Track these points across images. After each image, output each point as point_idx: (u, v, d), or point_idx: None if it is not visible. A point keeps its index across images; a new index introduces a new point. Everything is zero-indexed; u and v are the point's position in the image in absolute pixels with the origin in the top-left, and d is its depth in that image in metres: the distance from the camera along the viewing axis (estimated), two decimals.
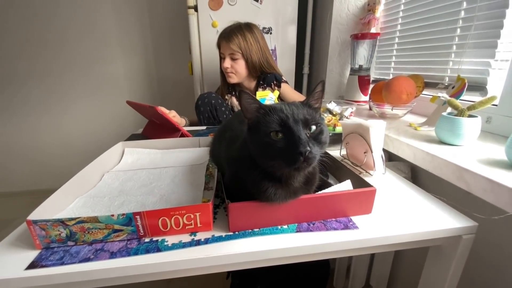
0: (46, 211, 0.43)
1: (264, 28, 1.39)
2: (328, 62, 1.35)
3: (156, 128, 0.95)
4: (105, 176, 0.61)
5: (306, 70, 1.57)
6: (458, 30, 0.82)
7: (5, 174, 1.99)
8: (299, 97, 1.18)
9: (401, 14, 1.09)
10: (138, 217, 0.39)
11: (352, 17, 1.29)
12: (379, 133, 0.58)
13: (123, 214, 0.38)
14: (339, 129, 0.79)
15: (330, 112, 0.80)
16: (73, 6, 1.67)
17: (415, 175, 0.81)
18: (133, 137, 1.00)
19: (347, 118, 0.80)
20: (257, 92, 0.80)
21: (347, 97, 1.29)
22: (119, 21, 1.74)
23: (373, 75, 1.31)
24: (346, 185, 0.47)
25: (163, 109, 0.89)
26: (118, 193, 0.54)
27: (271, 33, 1.41)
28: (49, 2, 1.65)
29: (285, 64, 1.47)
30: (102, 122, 1.96)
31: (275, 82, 1.14)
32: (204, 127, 1.13)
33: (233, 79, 1.17)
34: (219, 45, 1.15)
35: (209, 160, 0.69)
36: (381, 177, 0.62)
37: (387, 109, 0.93)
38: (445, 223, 0.43)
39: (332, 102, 0.82)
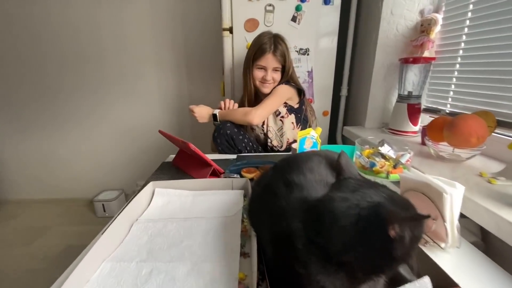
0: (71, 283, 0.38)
1: (301, 49, 1.31)
2: (372, 86, 1.23)
3: (187, 160, 0.90)
4: (134, 227, 0.56)
5: (344, 92, 1.46)
6: None
7: (41, 183, 2.10)
8: (271, 101, 1.11)
9: (464, 38, 0.95)
10: None
11: (401, 39, 1.16)
12: (456, 202, 0.47)
13: None
14: (394, 176, 0.68)
15: (383, 156, 0.70)
16: (111, 23, 1.73)
17: (486, 237, 0.67)
18: (164, 166, 0.96)
19: (403, 165, 0.68)
20: (298, 133, 0.71)
21: (393, 125, 1.16)
22: (155, 39, 1.77)
23: (424, 103, 1.17)
24: (423, 285, 0.37)
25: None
26: (146, 255, 0.48)
27: (308, 54, 1.33)
28: (91, 21, 1.72)
29: (321, 86, 1.37)
30: (133, 135, 1.99)
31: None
32: (234, 156, 1.07)
33: (269, 89, 1.16)
34: (257, 57, 1.12)
35: (243, 209, 0.62)
36: (455, 252, 0.50)
37: (447, 148, 0.80)
38: None
39: (384, 143, 0.71)
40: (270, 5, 1.25)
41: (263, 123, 1.18)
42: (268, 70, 1.12)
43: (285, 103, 1.16)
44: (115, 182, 2.11)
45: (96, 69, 1.83)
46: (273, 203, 0.43)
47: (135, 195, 0.67)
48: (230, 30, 1.27)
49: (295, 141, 1.18)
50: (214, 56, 1.73)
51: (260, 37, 1.12)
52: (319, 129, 0.77)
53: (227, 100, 1.18)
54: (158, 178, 0.86)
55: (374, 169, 0.69)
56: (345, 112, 1.50)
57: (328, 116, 1.43)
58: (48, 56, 1.80)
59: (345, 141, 1.53)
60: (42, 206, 2.08)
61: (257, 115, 1.08)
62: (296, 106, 1.18)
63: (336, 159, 0.55)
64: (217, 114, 1.13)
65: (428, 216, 0.30)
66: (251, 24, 1.27)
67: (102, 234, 0.50)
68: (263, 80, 1.15)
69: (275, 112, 1.16)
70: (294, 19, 1.27)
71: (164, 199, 0.68)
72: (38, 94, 1.88)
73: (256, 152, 1.17)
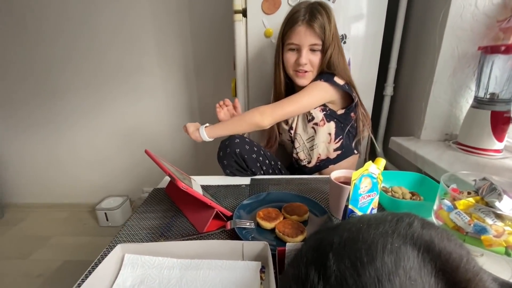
0: None
1: None
2: (434, 85, 0.91)
3: (183, 192, 0.65)
4: None
5: (389, 91, 1.14)
6: None
7: (44, 187, 1.97)
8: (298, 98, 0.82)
9: None
10: None
11: (482, 19, 0.83)
12: None
13: None
14: None
15: (498, 216, 0.41)
16: (113, 17, 1.52)
17: None
18: (154, 196, 0.72)
19: None
20: (352, 173, 0.44)
21: (465, 140, 0.84)
22: (159, 30, 1.54)
23: None
24: None
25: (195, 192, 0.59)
26: None
27: (345, 42, 1.03)
28: (86, 13, 1.52)
29: (362, 83, 1.06)
30: (138, 138, 1.81)
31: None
32: (247, 180, 0.81)
33: (307, 80, 0.85)
34: (286, 33, 0.82)
35: None
36: None
37: None
38: None
39: (500, 191, 0.42)
40: None
41: (291, 126, 0.90)
42: (302, 50, 0.80)
43: (324, 105, 0.86)
44: (120, 188, 1.95)
45: (99, 68, 1.64)
46: None
47: (98, 264, 0.44)
48: (244, 12, 0.99)
49: (328, 158, 0.90)
50: (226, 46, 1.46)
51: (294, 7, 0.82)
52: (380, 160, 0.49)
53: (225, 101, 0.91)
54: (143, 218, 0.62)
55: (483, 237, 0.41)
56: (389, 117, 1.18)
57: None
58: (51, 56, 1.63)
59: (388, 155, 1.21)
60: (45, 211, 1.97)
61: (267, 115, 0.80)
62: (340, 112, 0.87)
63: (448, 253, 0.27)
64: (204, 131, 0.82)
65: None
66: (270, 4, 0.97)
67: None
68: (297, 66, 0.83)
69: (306, 115, 0.87)
70: None
71: (137, 274, 0.44)
72: (40, 96, 1.74)
73: (275, 172, 0.90)
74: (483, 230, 0.40)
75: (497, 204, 0.40)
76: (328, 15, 0.78)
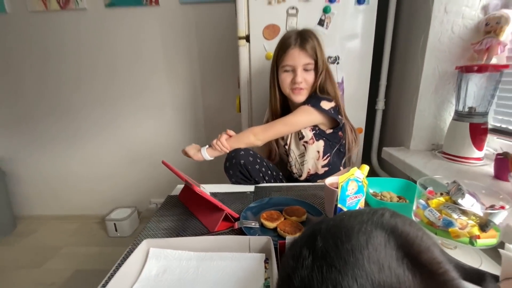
0: None
1: (329, 57, 1.12)
2: (419, 100, 1.01)
3: (195, 199, 0.74)
4: None
5: (381, 105, 1.24)
6: None
7: (55, 199, 2.06)
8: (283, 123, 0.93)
9: None
10: None
11: (458, 42, 0.94)
12: None
13: None
14: (485, 243, 0.47)
15: (463, 212, 0.49)
16: (123, 37, 1.66)
17: None
18: (169, 202, 0.81)
19: (495, 226, 0.47)
20: (339, 178, 0.53)
21: (449, 149, 0.93)
22: (167, 50, 1.67)
23: (491, 122, 0.93)
24: None
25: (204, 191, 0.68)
26: None
27: (338, 63, 1.14)
28: (100, 34, 1.66)
29: (354, 98, 1.17)
30: (146, 151, 1.90)
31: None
32: (251, 188, 0.90)
33: (303, 96, 0.94)
34: (280, 57, 0.92)
35: (264, 286, 0.45)
36: None
37: None
38: None
39: (465, 192, 0.50)
40: (293, 8, 1.07)
41: (286, 142, 0.99)
42: (297, 70, 0.90)
43: (314, 125, 0.95)
44: (128, 199, 2.03)
45: (110, 86, 1.77)
46: None
47: (127, 256, 0.52)
48: (247, 38, 1.11)
49: (316, 173, 0.99)
50: (230, 67, 1.59)
51: (285, 34, 0.94)
52: (364, 167, 0.58)
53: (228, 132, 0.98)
54: (160, 221, 0.71)
55: (450, 230, 0.49)
56: (382, 129, 1.27)
57: (362, 135, 1.21)
58: (65, 75, 1.77)
59: (382, 164, 1.30)
60: (56, 222, 2.04)
61: (259, 135, 0.92)
62: (329, 131, 0.96)
63: (407, 234, 0.36)
64: (205, 151, 0.94)
65: None
66: (270, 30, 1.10)
67: None
68: (293, 84, 0.92)
69: (298, 133, 0.96)
70: (321, 23, 1.09)
71: (160, 264, 0.52)
72: (55, 114, 1.86)
73: (276, 181, 0.98)
74: (450, 224, 0.49)
75: (460, 201, 0.49)
76: (317, 39, 0.90)
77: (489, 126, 0.89)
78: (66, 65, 1.74)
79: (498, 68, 0.83)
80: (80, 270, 1.56)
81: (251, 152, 0.92)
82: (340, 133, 0.96)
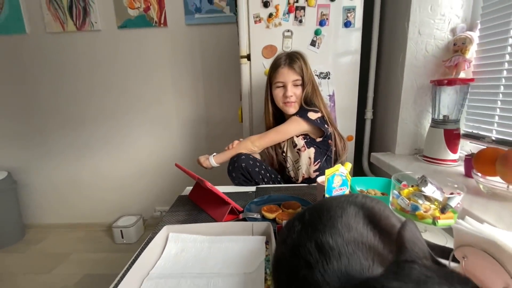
0: None
1: (321, 73, 1.26)
2: (401, 109, 1.14)
3: (204, 196, 0.85)
4: (144, 285, 0.50)
5: (369, 115, 1.37)
6: None
7: (64, 208, 2.14)
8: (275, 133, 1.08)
9: (508, 57, 0.85)
10: None
11: (431, 59, 1.08)
12: None
13: None
14: (445, 223, 0.58)
15: (427, 198, 0.60)
16: (133, 56, 1.80)
17: None
18: (180, 201, 0.92)
19: (452, 208, 0.58)
20: (326, 171, 0.64)
21: (429, 153, 1.05)
22: (174, 68, 1.81)
23: (463, 128, 1.05)
24: None
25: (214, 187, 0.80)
26: None
27: (329, 78, 1.27)
28: (112, 53, 1.81)
29: (344, 109, 1.30)
30: (152, 161, 2.00)
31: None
32: (253, 188, 1.00)
33: (294, 109, 1.07)
34: (273, 75, 1.07)
35: (265, 262, 0.55)
36: None
37: (501, 185, 0.69)
38: None
39: (428, 183, 0.61)
40: (288, 30, 1.22)
41: (283, 149, 1.11)
42: (287, 85, 1.04)
43: (306, 134, 1.07)
44: (134, 207, 2.11)
45: (119, 101, 1.89)
46: (306, 275, 0.36)
47: (149, 241, 0.62)
48: (248, 57, 1.25)
49: (310, 178, 1.10)
50: (232, 83, 1.73)
51: (276, 56, 1.10)
52: (348, 164, 0.69)
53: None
54: (173, 216, 0.81)
55: (417, 213, 0.60)
56: (371, 137, 1.40)
57: (353, 142, 1.33)
58: (78, 90, 1.90)
59: (372, 168, 1.41)
60: (63, 230, 2.11)
61: (256, 142, 1.07)
62: (318, 140, 1.07)
63: (372, 208, 0.47)
64: (212, 159, 1.09)
65: None
66: (268, 50, 1.24)
67: None
68: (285, 98, 1.06)
69: (292, 142, 1.08)
70: (313, 43, 1.23)
71: (178, 246, 0.62)
72: (67, 127, 1.96)
73: (274, 183, 1.09)
74: (416, 208, 0.59)
75: (423, 189, 0.60)
76: (304, 59, 1.06)
77: (462, 132, 1.02)
78: (80, 81, 1.87)
79: (465, 81, 0.96)
80: (89, 274, 1.62)
81: (251, 156, 1.04)
82: (330, 141, 1.09)
